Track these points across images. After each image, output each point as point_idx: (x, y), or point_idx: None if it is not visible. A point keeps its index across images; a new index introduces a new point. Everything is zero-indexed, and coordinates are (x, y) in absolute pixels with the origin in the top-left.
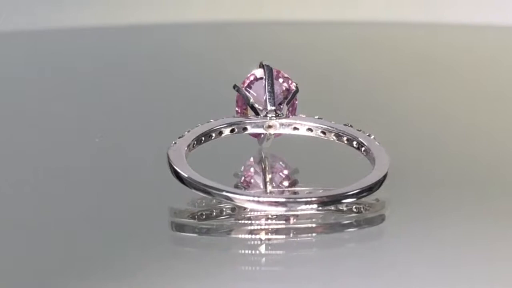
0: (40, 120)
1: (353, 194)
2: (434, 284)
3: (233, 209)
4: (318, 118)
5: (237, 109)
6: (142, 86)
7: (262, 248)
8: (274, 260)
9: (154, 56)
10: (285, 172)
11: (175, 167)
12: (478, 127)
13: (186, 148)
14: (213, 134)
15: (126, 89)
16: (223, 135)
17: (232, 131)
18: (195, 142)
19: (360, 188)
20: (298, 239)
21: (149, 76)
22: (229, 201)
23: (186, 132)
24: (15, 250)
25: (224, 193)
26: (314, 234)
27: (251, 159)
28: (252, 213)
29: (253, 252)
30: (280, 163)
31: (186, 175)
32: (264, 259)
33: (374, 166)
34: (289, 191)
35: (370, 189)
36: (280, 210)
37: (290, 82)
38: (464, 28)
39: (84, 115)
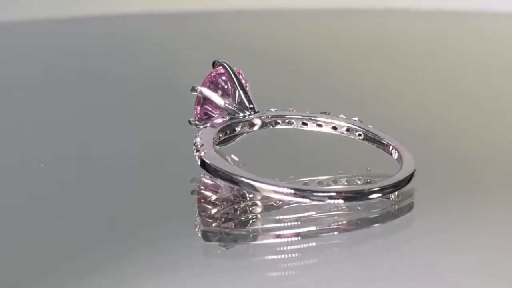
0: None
1: (378, 190)
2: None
3: (256, 203)
4: (292, 111)
5: (197, 110)
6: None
7: (290, 252)
8: (301, 265)
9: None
10: None
11: (201, 154)
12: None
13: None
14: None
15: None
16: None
17: (225, 134)
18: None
19: (386, 185)
20: (326, 235)
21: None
22: (252, 190)
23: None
24: (30, 245)
25: (247, 180)
26: (343, 232)
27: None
28: (278, 216)
29: (281, 257)
30: None
31: (209, 161)
32: (291, 264)
33: (402, 162)
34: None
35: (396, 185)
36: (305, 201)
37: (242, 76)
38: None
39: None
